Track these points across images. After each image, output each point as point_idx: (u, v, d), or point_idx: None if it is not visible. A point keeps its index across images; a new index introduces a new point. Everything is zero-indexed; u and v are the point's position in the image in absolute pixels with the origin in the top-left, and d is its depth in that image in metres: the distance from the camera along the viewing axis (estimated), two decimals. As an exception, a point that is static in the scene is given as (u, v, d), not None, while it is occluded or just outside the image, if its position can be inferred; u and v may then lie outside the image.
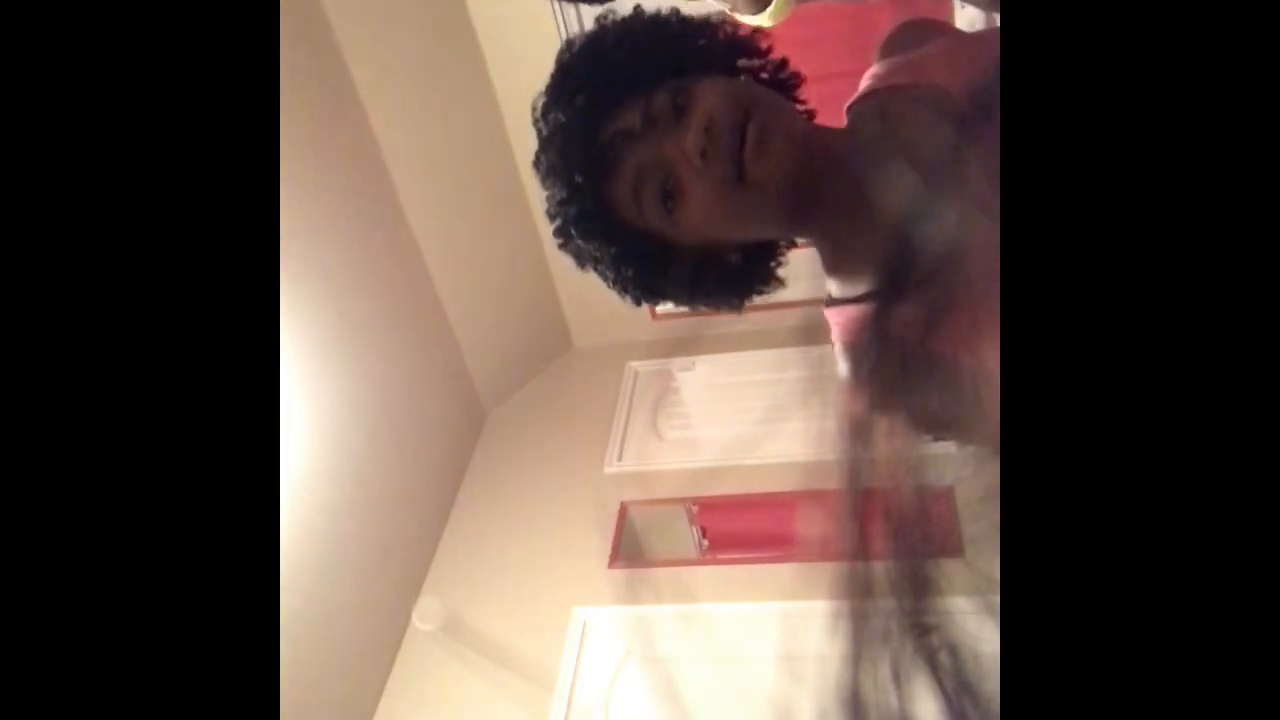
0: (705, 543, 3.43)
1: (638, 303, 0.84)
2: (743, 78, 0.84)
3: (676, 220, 0.73)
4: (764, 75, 0.88)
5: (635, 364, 3.90)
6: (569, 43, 0.79)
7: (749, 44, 0.88)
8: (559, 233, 0.79)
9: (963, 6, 2.63)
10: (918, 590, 0.48)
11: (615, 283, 0.80)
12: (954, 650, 0.51)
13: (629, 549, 3.30)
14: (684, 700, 2.47)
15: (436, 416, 3.61)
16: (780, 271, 0.90)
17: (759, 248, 0.87)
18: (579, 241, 0.77)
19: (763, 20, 1.47)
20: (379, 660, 3.04)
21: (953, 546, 0.46)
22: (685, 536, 3.45)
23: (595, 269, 0.81)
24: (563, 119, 0.74)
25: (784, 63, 0.91)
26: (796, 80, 0.92)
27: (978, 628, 0.51)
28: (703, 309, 0.87)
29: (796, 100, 0.91)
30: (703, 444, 3.63)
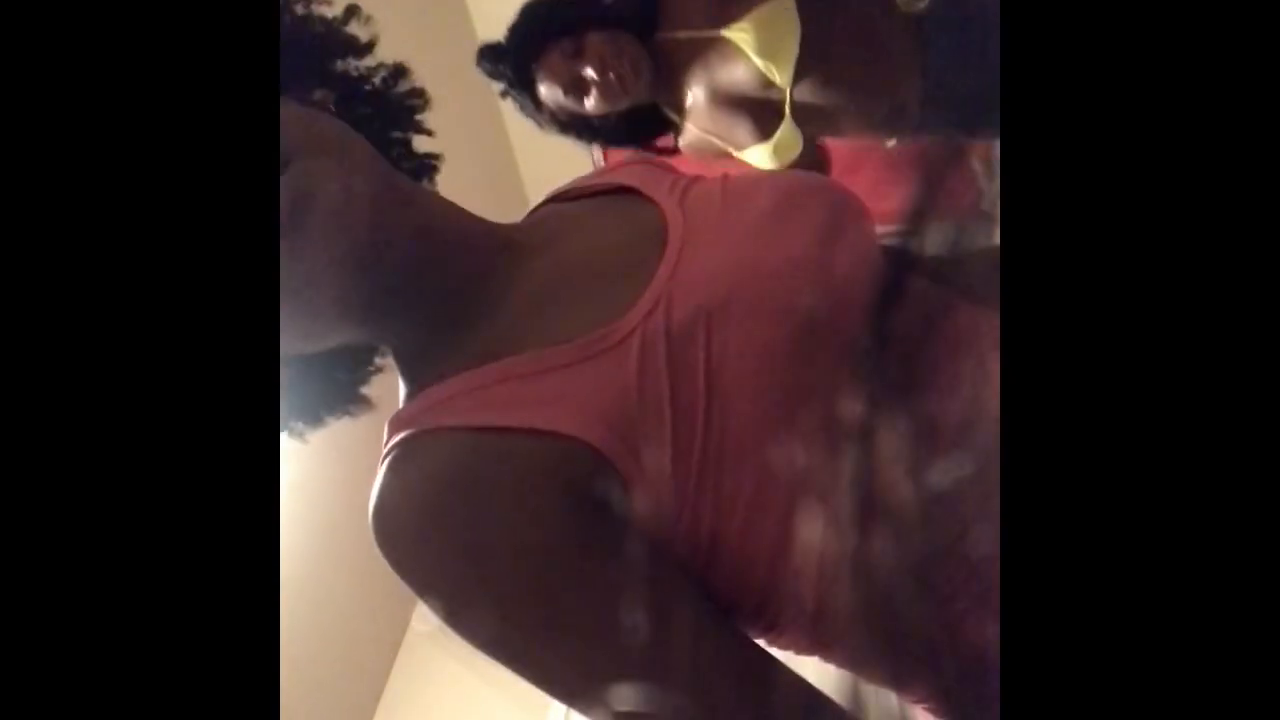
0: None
1: None
2: (319, 94, 0.63)
3: None
4: (367, 89, 0.66)
5: (635, 364, 3.89)
6: None
7: (345, 39, 0.64)
8: None
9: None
10: None
11: None
12: (955, 648, 0.51)
13: (629, 549, 3.29)
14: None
15: (436, 417, 3.60)
16: (364, 389, 0.75)
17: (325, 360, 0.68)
18: None
19: (764, 158, 1.40)
20: (379, 661, 3.04)
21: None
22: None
23: None
24: None
25: (399, 71, 0.68)
26: (415, 100, 0.68)
27: (977, 627, 0.51)
28: None
29: (412, 129, 0.69)
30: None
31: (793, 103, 1.31)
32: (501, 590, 0.49)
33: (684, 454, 0.48)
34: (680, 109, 1.44)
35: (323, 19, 0.63)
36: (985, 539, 0.47)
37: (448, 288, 0.59)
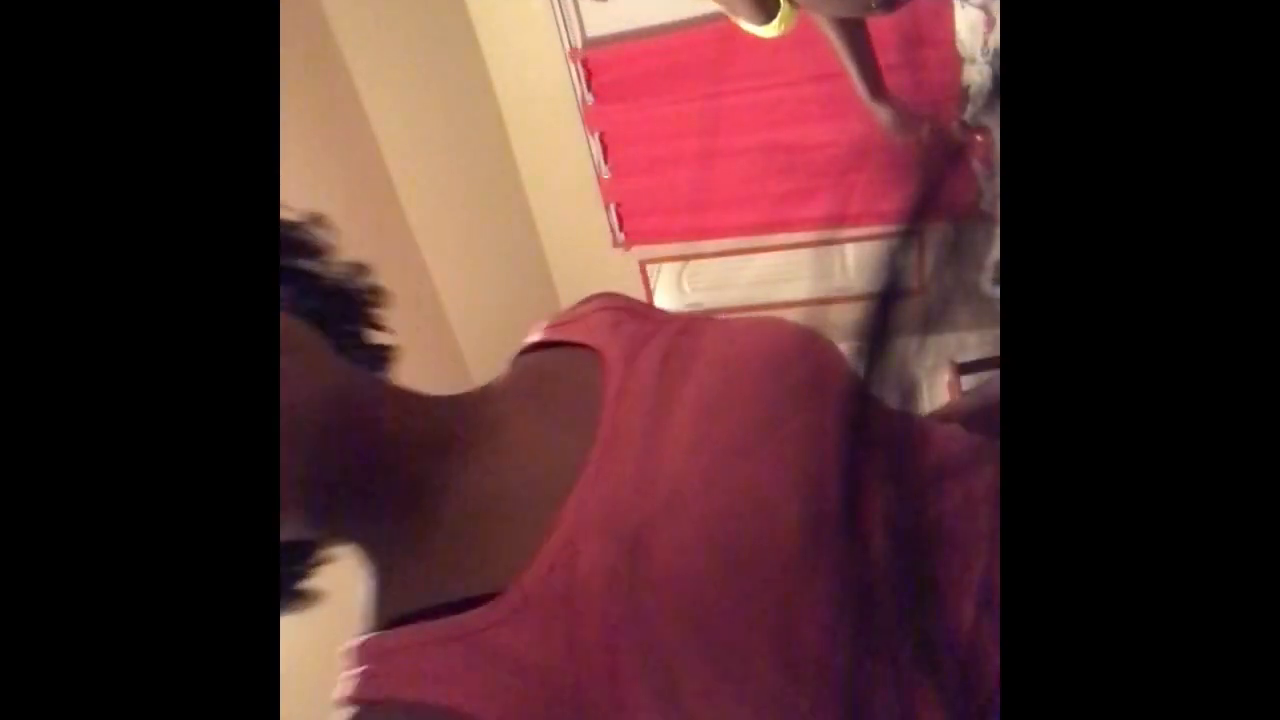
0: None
1: None
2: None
3: None
4: (323, 284, 0.66)
5: (635, 363, 3.88)
6: None
7: (306, 242, 0.66)
8: None
9: (963, 6, 2.62)
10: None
11: None
12: (955, 649, 0.51)
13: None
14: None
15: (436, 416, 3.60)
16: (308, 584, 0.71)
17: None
18: None
19: (769, 31, 1.47)
20: (378, 660, 3.04)
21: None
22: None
23: None
24: None
25: (358, 269, 0.68)
26: (370, 296, 0.68)
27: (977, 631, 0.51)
28: None
29: (366, 324, 0.69)
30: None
31: None
32: None
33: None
34: None
35: (286, 221, 0.64)
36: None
37: (391, 494, 0.59)
